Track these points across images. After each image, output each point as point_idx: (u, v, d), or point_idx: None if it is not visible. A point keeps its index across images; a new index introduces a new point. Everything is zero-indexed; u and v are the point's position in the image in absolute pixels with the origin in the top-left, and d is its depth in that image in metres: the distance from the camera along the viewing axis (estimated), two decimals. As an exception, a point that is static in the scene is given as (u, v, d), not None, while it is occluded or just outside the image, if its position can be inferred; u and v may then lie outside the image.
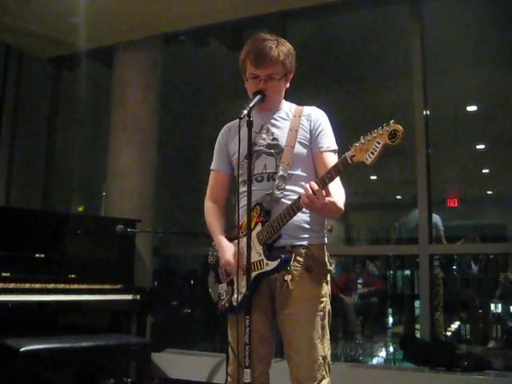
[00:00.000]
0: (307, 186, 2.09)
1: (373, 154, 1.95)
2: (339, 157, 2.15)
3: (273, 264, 2.21)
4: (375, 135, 1.95)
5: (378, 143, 1.94)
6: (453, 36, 5.55)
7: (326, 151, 2.37)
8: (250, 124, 2.12)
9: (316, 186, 2.07)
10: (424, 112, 4.60)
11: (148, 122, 5.39)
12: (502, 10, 4.88)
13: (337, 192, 2.24)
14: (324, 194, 2.09)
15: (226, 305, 2.39)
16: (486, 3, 5.00)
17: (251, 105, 2.18)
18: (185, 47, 5.91)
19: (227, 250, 2.38)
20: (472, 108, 7.41)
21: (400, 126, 1.90)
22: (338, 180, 2.25)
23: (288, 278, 2.25)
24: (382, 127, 1.94)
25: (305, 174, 2.35)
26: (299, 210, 2.16)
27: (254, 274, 2.20)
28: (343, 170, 2.06)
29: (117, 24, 5.26)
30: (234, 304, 2.32)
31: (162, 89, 5.55)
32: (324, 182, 2.09)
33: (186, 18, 5.19)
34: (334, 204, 2.17)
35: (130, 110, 5.34)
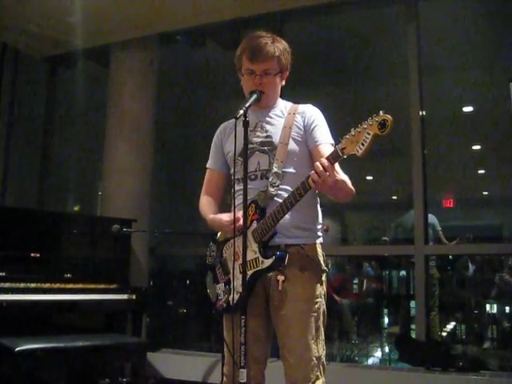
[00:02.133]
0: (317, 163, 2.04)
1: (363, 145, 1.91)
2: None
3: (268, 261, 2.20)
4: (365, 126, 1.92)
5: (368, 134, 1.90)
6: (449, 36, 5.56)
7: (322, 143, 2.35)
8: (246, 124, 2.11)
9: (326, 162, 2.02)
10: (420, 112, 4.60)
11: (144, 122, 5.39)
12: (498, 10, 4.89)
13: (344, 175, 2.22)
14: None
15: (224, 304, 2.38)
16: (482, 4, 5.01)
17: (247, 104, 2.18)
18: (181, 47, 5.90)
19: (221, 219, 2.36)
20: (468, 109, 7.42)
21: (389, 116, 1.87)
22: (339, 169, 2.23)
23: (281, 278, 2.23)
24: (372, 118, 1.91)
25: (295, 172, 2.33)
26: (306, 191, 2.11)
27: (250, 272, 2.20)
28: (334, 162, 2.03)
29: (113, 23, 5.25)
30: (232, 304, 2.31)
31: (158, 88, 5.55)
32: (336, 157, 2.02)
33: (182, 17, 5.20)
34: (344, 183, 2.13)
35: (126, 110, 5.33)
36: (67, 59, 6.09)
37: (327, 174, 2.01)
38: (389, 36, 5.60)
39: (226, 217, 2.35)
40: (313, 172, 2.04)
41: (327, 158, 2.04)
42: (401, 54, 4.99)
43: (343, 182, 2.14)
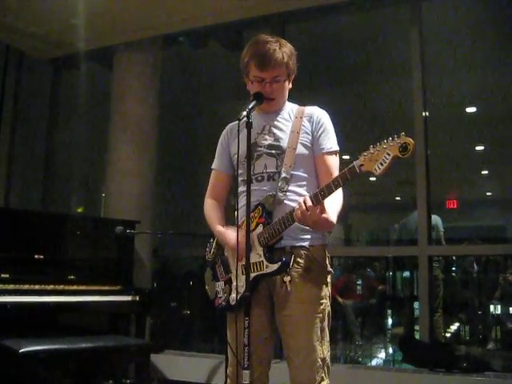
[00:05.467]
0: (301, 200, 2.09)
1: (382, 165, 1.93)
2: (341, 159, 2.14)
3: (273, 266, 2.20)
4: (385, 146, 1.93)
5: (388, 155, 1.92)
6: (452, 37, 5.55)
7: (327, 153, 2.36)
8: (249, 126, 2.11)
9: (309, 202, 2.06)
10: (423, 113, 4.60)
11: (147, 123, 5.39)
12: (502, 10, 4.88)
13: (333, 201, 2.20)
14: (318, 209, 2.07)
15: (223, 303, 2.39)
16: (485, 4, 5.00)
17: (250, 106, 2.18)
18: (184, 48, 5.91)
19: (229, 235, 2.37)
20: (471, 109, 7.41)
21: (411, 140, 1.89)
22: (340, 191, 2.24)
23: (287, 279, 2.23)
24: (393, 139, 1.92)
25: (306, 175, 2.35)
26: (294, 221, 2.16)
27: (252, 275, 2.20)
28: (350, 178, 2.04)
29: (116, 25, 5.26)
30: (232, 303, 2.32)
31: (161, 90, 5.56)
32: (317, 199, 2.07)
33: (185, 19, 5.20)
34: (325, 220, 2.13)
35: (129, 111, 5.34)
36: (71, 61, 6.10)
37: (309, 213, 2.06)
38: (392, 37, 5.60)
39: (232, 237, 2.32)
40: (297, 207, 2.10)
41: (314, 196, 2.09)
42: (404, 55, 4.98)
43: (325, 220, 2.13)
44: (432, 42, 5.08)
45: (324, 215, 2.11)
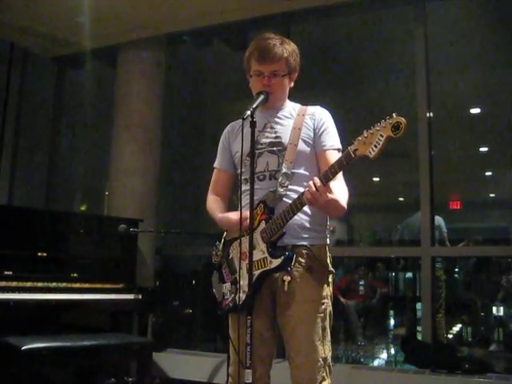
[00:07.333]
0: (310, 182, 2.07)
1: (376, 147, 1.92)
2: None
3: (277, 261, 2.19)
4: (378, 128, 1.92)
5: (381, 136, 1.90)
6: (456, 38, 5.54)
7: (329, 149, 2.36)
8: (253, 124, 2.11)
9: (319, 183, 2.05)
10: (427, 114, 4.60)
11: (151, 122, 5.40)
12: (507, 11, 4.87)
13: (340, 190, 2.22)
14: (326, 190, 2.08)
15: (231, 304, 2.38)
16: (490, 5, 5.00)
17: (254, 105, 2.18)
18: (188, 47, 5.91)
19: (229, 218, 2.40)
20: (475, 110, 7.39)
21: (403, 119, 1.87)
22: (341, 178, 2.24)
23: (287, 278, 2.22)
24: (385, 120, 1.91)
25: (307, 173, 2.34)
26: (303, 206, 2.14)
27: (257, 272, 2.20)
28: (346, 164, 2.03)
29: (121, 24, 5.27)
30: (238, 304, 2.31)
31: (165, 88, 5.56)
32: (327, 178, 2.06)
33: (190, 18, 5.21)
34: (336, 202, 2.14)
35: (133, 110, 5.34)
36: (75, 59, 6.11)
37: (319, 193, 2.04)
38: (396, 37, 5.59)
39: (234, 215, 2.38)
40: (307, 190, 2.08)
41: (323, 175, 2.07)
42: (408, 56, 4.98)
43: (335, 201, 2.14)
44: (436, 42, 5.07)
45: (333, 196, 2.11)
